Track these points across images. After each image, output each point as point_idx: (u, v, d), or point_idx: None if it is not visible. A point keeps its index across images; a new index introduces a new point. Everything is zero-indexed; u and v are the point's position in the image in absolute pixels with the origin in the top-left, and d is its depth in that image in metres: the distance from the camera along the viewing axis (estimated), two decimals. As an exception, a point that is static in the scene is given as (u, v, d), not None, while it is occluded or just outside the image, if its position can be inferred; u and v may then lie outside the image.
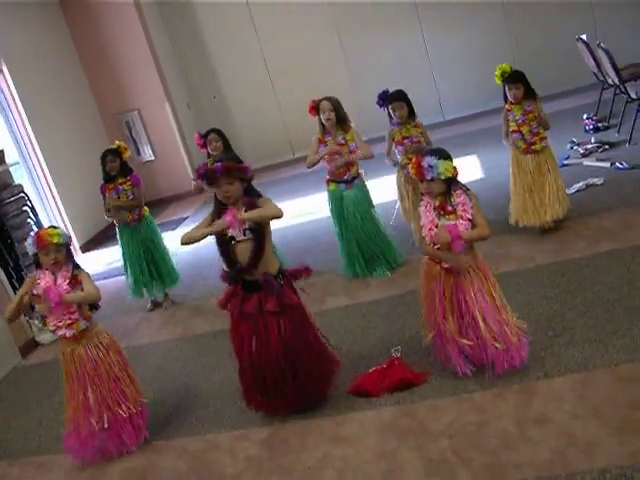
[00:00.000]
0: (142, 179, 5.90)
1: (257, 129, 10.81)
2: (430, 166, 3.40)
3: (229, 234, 3.55)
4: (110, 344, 3.89)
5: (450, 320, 3.60)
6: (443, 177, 3.41)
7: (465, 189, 3.54)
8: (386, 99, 5.29)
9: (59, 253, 3.70)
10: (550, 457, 2.96)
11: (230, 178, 3.47)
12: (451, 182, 3.48)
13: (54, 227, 3.83)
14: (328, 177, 5.34)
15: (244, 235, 3.54)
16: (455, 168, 3.45)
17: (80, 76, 10.15)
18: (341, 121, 5.12)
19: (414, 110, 5.33)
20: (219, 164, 3.46)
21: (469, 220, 3.46)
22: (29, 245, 3.71)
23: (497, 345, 3.50)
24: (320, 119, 5.12)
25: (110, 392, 3.81)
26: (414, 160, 3.52)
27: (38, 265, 3.79)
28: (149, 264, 5.89)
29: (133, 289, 6.00)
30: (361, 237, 5.33)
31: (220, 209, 3.60)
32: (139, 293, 6.04)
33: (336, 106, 5.07)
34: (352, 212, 5.28)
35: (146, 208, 5.96)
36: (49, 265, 3.70)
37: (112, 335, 3.98)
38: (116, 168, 5.69)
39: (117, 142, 5.84)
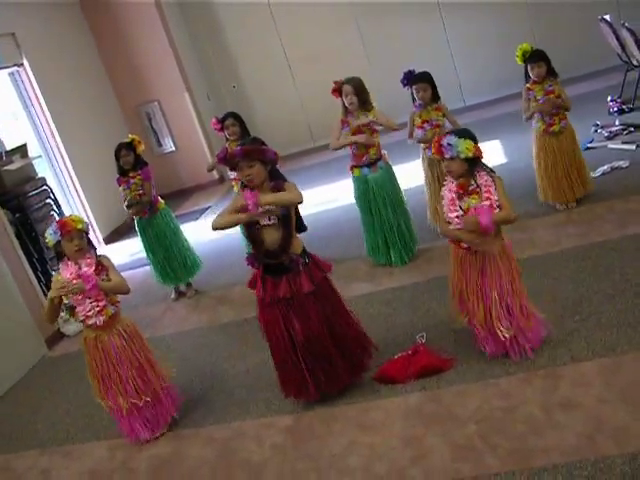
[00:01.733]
0: (153, 173, 5.87)
1: (277, 118, 10.79)
2: (449, 144, 3.38)
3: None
4: (133, 332, 3.93)
5: (478, 307, 3.57)
6: (463, 156, 3.37)
7: (489, 170, 3.50)
8: (410, 79, 5.24)
9: (82, 240, 3.73)
10: (578, 442, 2.93)
11: (251, 161, 3.45)
12: (473, 163, 3.44)
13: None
14: (351, 163, 5.28)
15: (269, 220, 3.54)
16: (477, 148, 3.40)
17: (100, 69, 10.19)
18: (364, 103, 5.06)
19: (438, 93, 5.28)
20: (238, 148, 3.46)
21: (494, 202, 3.43)
22: (51, 234, 3.71)
23: (505, 333, 3.49)
24: (343, 101, 5.08)
25: (133, 379, 3.84)
26: (435, 138, 3.50)
27: (60, 256, 3.81)
28: (167, 255, 5.92)
29: (157, 277, 6.06)
30: (385, 223, 5.27)
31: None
32: (164, 280, 6.08)
33: (358, 90, 4.99)
34: (379, 194, 5.19)
35: (161, 201, 5.97)
36: (72, 253, 3.72)
37: (134, 323, 4.02)
38: (130, 162, 5.69)
39: (131, 135, 5.83)
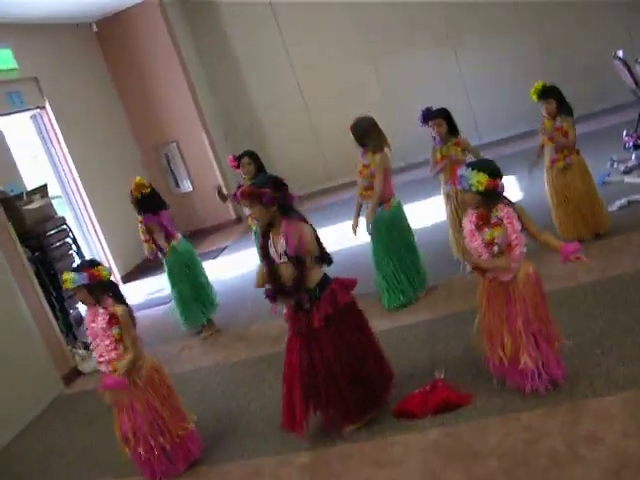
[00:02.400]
0: (163, 217, 5.81)
1: (293, 158, 10.88)
2: (462, 176, 3.42)
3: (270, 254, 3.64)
4: (147, 379, 3.85)
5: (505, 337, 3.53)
6: (474, 189, 3.38)
7: (508, 202, 3.49)
8: (427, 117, 5.29)
9: (81, 294, 3.76)
10: (603, 477, 2.86)
11: (251, 202, 3.57)
12: (487, 196, 3.43)
13: (74, 269, 3.80)
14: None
15: (280, 259, 3.58)
16: (492, 182, 3.39)
17: (119, 110, 10.38)
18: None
19: (456, 127, 5.32)
20: (239, 190, 3.60)
21: (517, 233, 3.42)
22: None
23: (527, 362, 3.44)
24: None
25: (149, 423, 3.80)
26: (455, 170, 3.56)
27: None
28: (190, 289, 5.92)
29: (181, 319, 6.06)
30: (394, 261, 5.23)
31: (265, 229, 3.71)
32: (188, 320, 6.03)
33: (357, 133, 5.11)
34: (383, 234, 5.20)
35: (178, 237, 5.94)
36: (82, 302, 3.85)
37: (156, 366, 3.96)
38: (134, 206, 5.73)
39: (137, 178, 5.83)
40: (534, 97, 5.24)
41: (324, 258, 3.73)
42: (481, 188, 3.38)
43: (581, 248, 3.48)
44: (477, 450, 3.30)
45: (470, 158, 5.23)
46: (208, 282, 6.16)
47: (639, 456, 2.91)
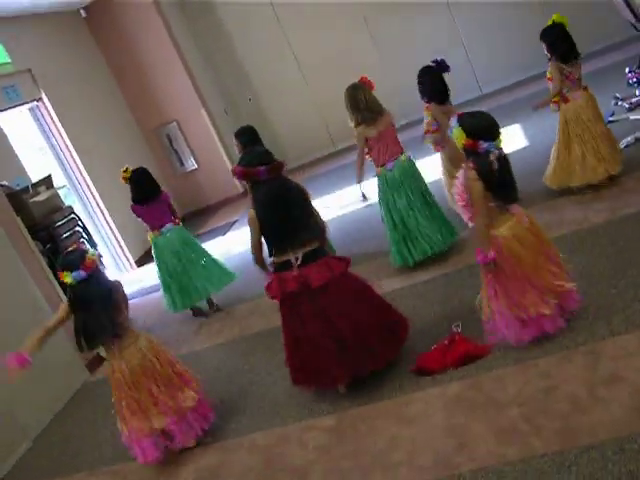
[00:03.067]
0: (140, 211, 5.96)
1: (295, 126, 10.82)
2: (451, 128, 3.50)
3: None
4: (143, 356, 3.89)
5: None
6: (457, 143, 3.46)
7: (470, 167, 3.44)
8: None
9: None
10: (625, 416, 2.86)
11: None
12: (470, 153, 3.45)
13: (68, 267, 3.77)
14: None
15: None
16: (468, 142, 3.39)
17: (116, 94, 10.33)
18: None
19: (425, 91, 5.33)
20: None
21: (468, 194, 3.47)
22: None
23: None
24: None
25: (153, 399, 3.88)
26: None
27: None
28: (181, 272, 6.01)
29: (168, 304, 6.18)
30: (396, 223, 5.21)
31: None
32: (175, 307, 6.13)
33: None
34: (381, 198, 5.23)
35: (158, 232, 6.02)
36: None
37: (151, 343, 3.99)
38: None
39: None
40: None
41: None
42: (459, 145, 3.43)
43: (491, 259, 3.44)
44: (498, 400, 3.31)
45: None
46: (202, 269, 6.10)
47: (661, 391, 2.91)
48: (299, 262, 3.70)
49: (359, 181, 5.31)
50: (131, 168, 5.90)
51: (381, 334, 3.82)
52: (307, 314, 3.76)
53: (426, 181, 5.31)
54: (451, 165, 5.24)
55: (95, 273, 3.78)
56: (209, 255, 6.25)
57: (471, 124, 3.42)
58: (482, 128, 3.42)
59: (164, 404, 3.88)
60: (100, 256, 3.96)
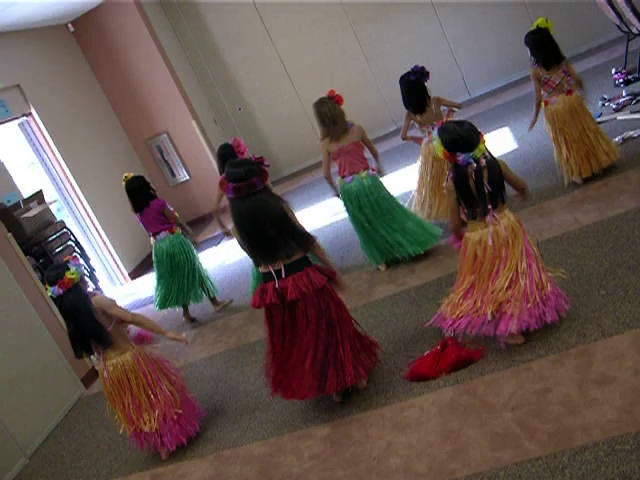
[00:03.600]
0: (140, 218, 6.12)
1: (285, 134, 10.83)
2: (434, 138, 3.60)
3: None
4: (123, 372, 4.06)
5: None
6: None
7: (448, 176, 3.63)
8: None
9: None
10: (618, 417, 2.88)
11: None
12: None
13: (50, 281, 3.96)
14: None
15: None
16: (446, 154, 3.51)
17: (106, 108, 10.32)
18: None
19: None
20: None
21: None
22: (78, 268, 4.03)
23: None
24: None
25: (133, 406, 4.08)
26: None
27: (84, 290, 4.10)
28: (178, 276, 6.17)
29: (156, 301, 6.35)
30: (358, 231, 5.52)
31: None
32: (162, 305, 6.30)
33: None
34: (355, 203, 5.36)
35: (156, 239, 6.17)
36: None
37: (136, 361, 4.10)
38: None
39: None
40: None
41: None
42: (440, 157, 3.59)
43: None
44: (492, 405, 3.32)
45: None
46: (196, 279, 6.22)
47: (651, 391, 2.93)
48: (282, 274, 3.69)
49: (335, 194, 5.51)
50: (131, 175, 6.09)
51: (350, 352, 3.77)
52: (284, 325, 3.76)
53: (395, 194, 5.51)
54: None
55: (73, 290, 3.92)
56: (200, 271, 6.28)
57: (448, 136, 3.50)
58: (458, 141, 3.48)
59: (130, 418, 4.10)
60: (91, 271, 4.01)
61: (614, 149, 5.26)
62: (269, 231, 3.62)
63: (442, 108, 5.54)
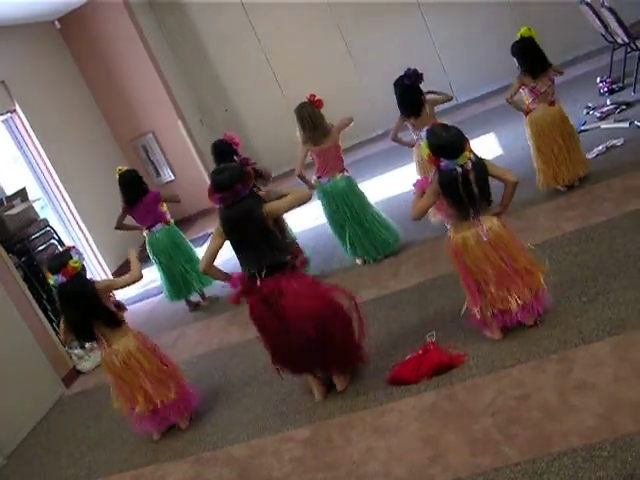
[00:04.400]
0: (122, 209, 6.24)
1: (271, 136, 10.79)
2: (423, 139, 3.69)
3: None
4: (129, 355, 4.15)
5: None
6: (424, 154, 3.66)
7: (433, 177, 3.66)
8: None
9: None
10: (596, 423, 2.90)
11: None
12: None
13: (52, 269, 4.05)
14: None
15: None
16: (431, 157, 3.57)
17: (92, 106, 10.25)
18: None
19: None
20: None
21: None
22: (79, 257, 4.10)
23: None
24: None
25: (148, 386, 4.15)
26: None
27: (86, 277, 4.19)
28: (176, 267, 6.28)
29: (166, 294, 6.46)
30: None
31: None
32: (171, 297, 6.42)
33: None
34: (329, 203, 5.61)
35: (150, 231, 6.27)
36: None
37: (138, 342, 4.22)
38: None
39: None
40: None
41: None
42: (426, 159, 3.65)
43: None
44: (472, 410, 3.34)
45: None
46: (192, 264, 6.30)
47: (629, 398, 2.95)
48: (263, 274, 3.72)
49: (310, 187, 5.55)
50: (125, 169, 6.18)
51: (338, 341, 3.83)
52: (274, 325, 3.78)
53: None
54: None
55: (76, 277, 3.99)
56: (193, 258, 6.39)
57: (434, 141, 3.56)
58: (443, 147, 3.53)
59: (148, 394, 4.14)
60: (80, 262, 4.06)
61: (586, 161, 5.40)
62: (252, 238, 3.68)
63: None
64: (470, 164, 3.52)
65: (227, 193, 3.65)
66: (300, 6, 10.18)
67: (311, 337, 3.69)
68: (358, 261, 5.76)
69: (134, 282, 4.25)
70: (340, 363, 3.93)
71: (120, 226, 6.26)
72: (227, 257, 4.27)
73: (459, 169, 3.50)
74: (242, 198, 3.67)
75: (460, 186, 3.53)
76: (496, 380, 3.47)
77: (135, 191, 6.04)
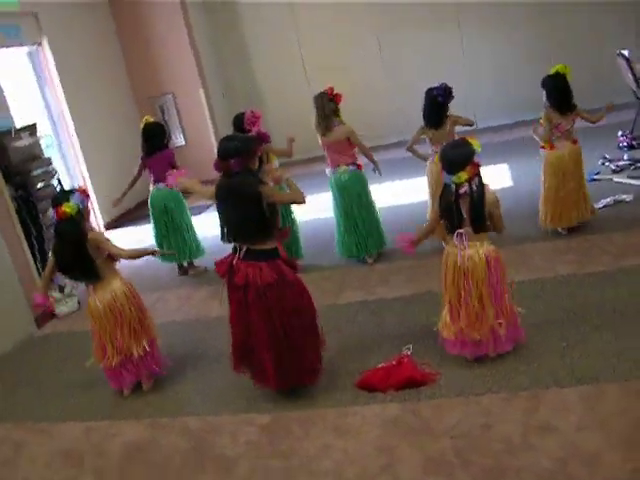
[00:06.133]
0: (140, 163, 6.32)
1: (290, 123, 10.77)
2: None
3: None
4: (114, 300, 4.19)
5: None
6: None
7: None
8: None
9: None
10: (552, 466, 2.91)
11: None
12: None
13: (63, 197, 4.13)
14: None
15: None
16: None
17: (118, 56, 10.23)
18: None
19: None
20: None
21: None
22: (78, 202, 4.07)
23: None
24: None
25: (123, 336, 4.21)
26: None
27: (79, 225, 4.13)
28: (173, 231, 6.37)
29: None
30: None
31: None
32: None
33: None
34: (333, 194, 5.78)
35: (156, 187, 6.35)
36: (88, 220, 4.30)
37: (125, 290, 4.26)
38: None
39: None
40: None
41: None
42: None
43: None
44: (433, 429, 3.35)
45: None
46: (189, 231, 6.42)
47: (588, 449, 2.96)
48: (241, 254, 3.70)
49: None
50: (152, 119, 6.38)
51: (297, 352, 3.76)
52: (241, 306, 3.76)
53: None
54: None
55: (68, 221, 4.02)
56: (191, 225, 6.50)
57: (442, 154, 3.73)
58: (443, 159, 3.69)
59: (120, 346, 4.20)
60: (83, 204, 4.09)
61: (593, 209, 5.47)
62: (238, 212, 3.65)
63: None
64: (466, 187, 3.56)
65: (221, 163, 3.67)
66: (341, 3, 10.18)
67: (267, 336, 3.68)
68: (369, 260, 5.80)
69: (123, 257, 4.24)
70: (288, 373, 3.78)
71: (139, 174, 6.32)
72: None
73: (453, 186, 3.59)
74: (244, 173, 3.66)
75: (452, 203, 3.62)
76: (464, 404, 3.48)
77: (156, 143, 6.18)
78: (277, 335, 3.67)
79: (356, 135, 5.55)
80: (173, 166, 6.20)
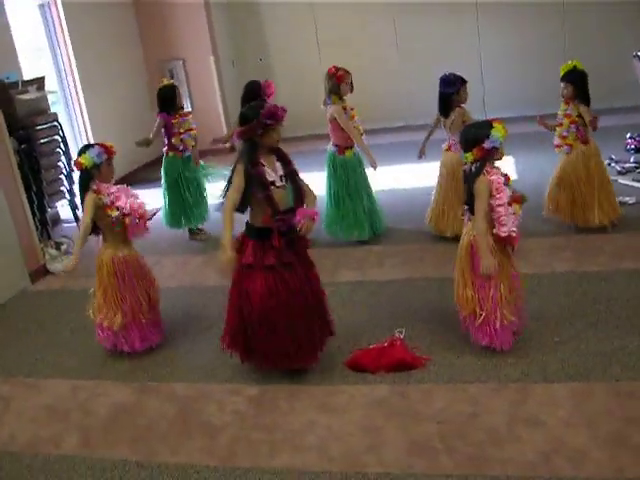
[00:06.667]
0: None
1: (298, 97, 10.71)
2: None
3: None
4: (131, 260, 4.31)
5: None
6: None
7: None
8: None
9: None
10: (536, 459, 2.93)
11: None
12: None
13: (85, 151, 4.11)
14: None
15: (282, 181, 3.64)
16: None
17: (130, 17, 10.12)
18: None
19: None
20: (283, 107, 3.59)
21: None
22: (94, 156, 4.01)
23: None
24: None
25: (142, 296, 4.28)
26: None
27: (86, 182, 4.09)
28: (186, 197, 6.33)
29: (165, 219, 6.39)
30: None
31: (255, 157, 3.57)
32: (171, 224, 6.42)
33: None
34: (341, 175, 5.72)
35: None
36: (110, 177, 4.20)
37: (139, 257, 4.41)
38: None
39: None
40: (561, 73, 5.19)
41: None
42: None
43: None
44: (420, 413, 3.36)
45: None
46: (199, 197, 6.38)
47: (574, 445, 2.97)
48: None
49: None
50: (170, 82, 6.40)
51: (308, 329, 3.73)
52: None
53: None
54: None
55: (83, 173, 4.09)
56: (204, 189, 6.46)
57: (461, 131, 3.86)
58: (462, 138, 3.73)
59: (126, 309, 4.20)
60: (69, 172, 4.11)
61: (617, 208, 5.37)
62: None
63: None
64: (468, 168, 3.61)
65: (234, 131, 3.72)
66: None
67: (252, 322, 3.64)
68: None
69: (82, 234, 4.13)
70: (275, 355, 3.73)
71: (157, 133, 6.22)
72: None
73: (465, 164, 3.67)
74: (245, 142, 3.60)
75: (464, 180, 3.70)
76: (452, 391, 3.49)
77: (172, 105, 6.14)
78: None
79: (343, 117, 5.45)
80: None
